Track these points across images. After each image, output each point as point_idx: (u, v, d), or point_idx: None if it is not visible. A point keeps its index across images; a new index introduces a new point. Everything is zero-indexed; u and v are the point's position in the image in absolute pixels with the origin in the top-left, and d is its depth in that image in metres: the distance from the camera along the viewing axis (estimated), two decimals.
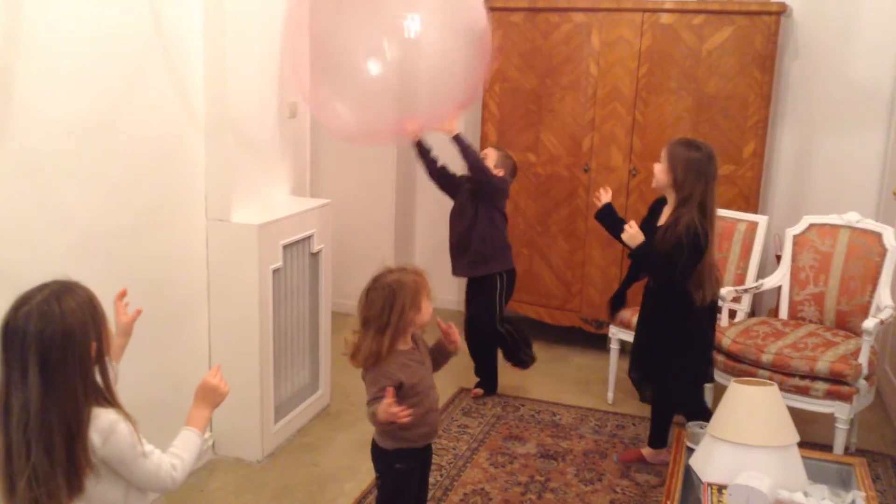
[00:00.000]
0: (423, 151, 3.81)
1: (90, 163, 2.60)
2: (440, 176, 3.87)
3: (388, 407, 2.22)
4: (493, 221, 3.82)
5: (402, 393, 2.32)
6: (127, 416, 1.72)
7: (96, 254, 2.65)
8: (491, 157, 3.82)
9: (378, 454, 2.48)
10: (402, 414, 2.23)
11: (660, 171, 3.09)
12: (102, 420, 1.68)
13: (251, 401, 3.29)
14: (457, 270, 3.98)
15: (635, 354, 3.36)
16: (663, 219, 3.14)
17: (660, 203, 3.26)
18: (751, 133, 4.19)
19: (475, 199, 3.79)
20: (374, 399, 2.30)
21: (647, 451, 3.44)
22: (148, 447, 1.75)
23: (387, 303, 2.32)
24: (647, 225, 3.23)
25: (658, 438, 3.41)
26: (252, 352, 3.25)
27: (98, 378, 1.71)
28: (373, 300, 2.34)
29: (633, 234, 3.10)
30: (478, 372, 4.11)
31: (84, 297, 1.69)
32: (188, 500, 3.06)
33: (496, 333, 3.93)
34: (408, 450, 2.43)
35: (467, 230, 3.82)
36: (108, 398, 1.72)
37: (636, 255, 3.15)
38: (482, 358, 4.07)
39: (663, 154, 3.08)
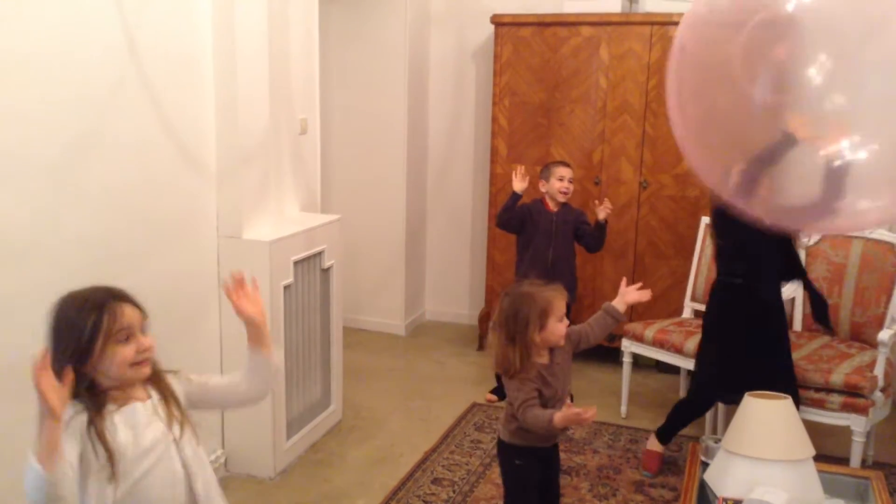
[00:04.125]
0: (515, 205, 3.95)
1: (102, 180, 2.62)
2: (514, 226, 4.02)
3: (568, 413, 2.28)
4: (576, 254, 4.04)
5: (540, 401, 2.40)
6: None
7: (108, 271, 2.65)
8: (573, 178, 3.97)
9: (501, 448, 2.56)
10: (586, 415, 2.27)
11: None
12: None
13: (263, 417, 3.29)
14: None
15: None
16: None
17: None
18: None
19: (569, 231, 3.96)
20: (526, 404, 2.36)
21: (660, 447, 3.46)
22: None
23: (510, 312, 2.38)
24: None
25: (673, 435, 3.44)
26: None
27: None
28: (502, 306, 2.42)
29: None
30: None
31: (91, 303, 1.73)
32: None
33: None
34: (528, 447, 2.49)
35: (564, 257, 3.98)
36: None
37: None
38: None
39: None
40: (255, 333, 1.99)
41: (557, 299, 2.40)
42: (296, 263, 3.37)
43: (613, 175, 4.46)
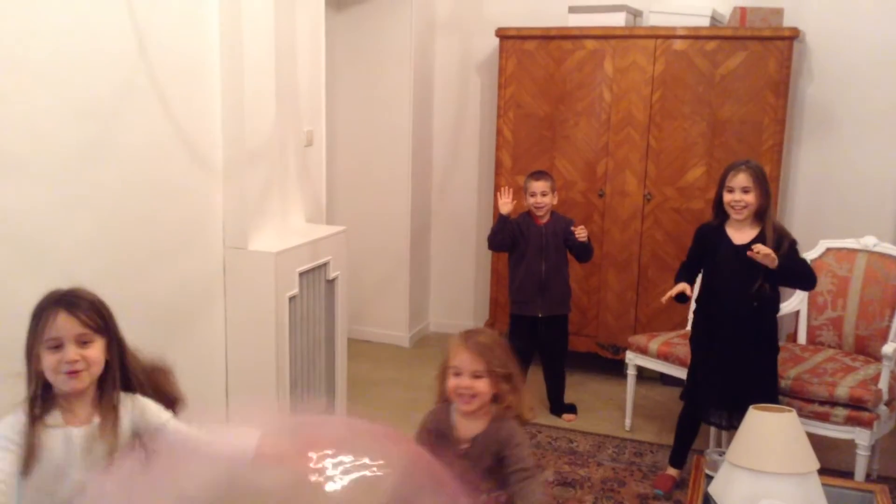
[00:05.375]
0: (504, 227, 3.97)
1: (110, 188, 2.64)
2: (506, 245, 4.05)
3: None
4: (568, 263, 4.08)
5: None
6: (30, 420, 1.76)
7: (116, 281, 2.67)
8: (549, 193, 3.97)
9: None
10: None
11: (751, 198, 3.08)
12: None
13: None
14: (539, 309, 4.08)
15: (720, 387, 3.20)
16: (744, 238, 3.12)
17: (712, 229, 3.22)
18: (766, 157, 4.18)
19: (559, 243, 3.99)
20: None
21: (675, 472, 3.44)
22: None
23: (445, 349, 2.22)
24: (700, 252, 3.28)
25: (681, 456, 3.44)
26: (269, 378, 3.26)
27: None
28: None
29: (770, 253, 3.00)
30: (554, 396, 4.23)
31: (38, 306, 1.82)
32: None
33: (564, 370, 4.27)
34: None
35: (557, 268, 4.02)
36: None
37: (783, 270, 3.04)
38: (557, 385, 4.22)
39: (749, 181, 3.07)
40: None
41: (460, 355, 2.13)
42: (301, 274, 3.38)
43: (618, 187, 4.47)
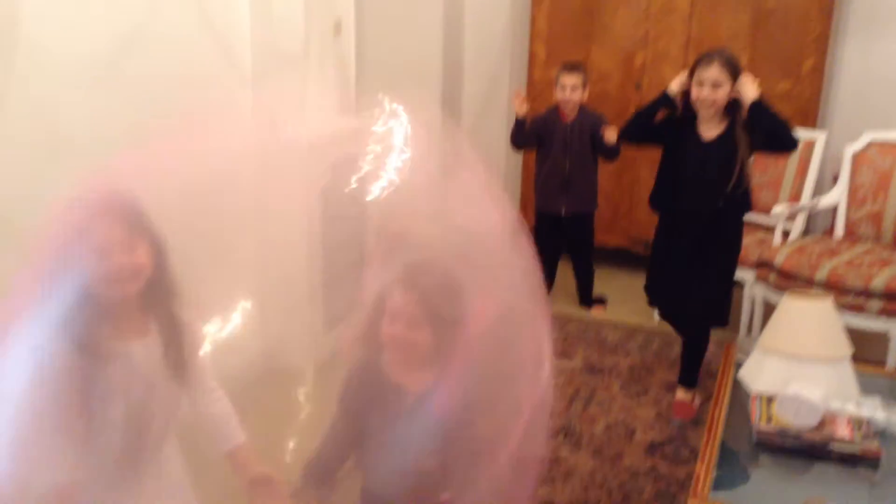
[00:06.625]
0: (523, 129, 3.92)
1: (136, 84, 2.61)
2: (531, 143, 4.01)
3: None
4: (596, 161, 3.98)
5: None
6: None
7: None
8: (579, 88, 3.84)
9: None
10: None
11: (721, 94, 2.81)
12: None
13: (300, 312, 3.34)
14: (563, 206, 4.02)
15: (673, 281, 3.12)
16: (712, 133, 2.90)
17: (686, 120, 2.98)
18: (811, 47, 4.03)
19: (585, 140, 3.90)
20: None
21: (687, 395, 3.21)
22: None
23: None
24: (662, 129, 3.09)
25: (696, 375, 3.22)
26: (300, 270, 3.28)
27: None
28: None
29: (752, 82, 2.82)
30: (583, 289, 4.26)
31: (83, 213, 1.64)
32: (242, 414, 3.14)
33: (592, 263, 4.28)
34: None
35: (581, 168, 3.94)
36: None
37: (758, 108, 2.79)
38: (586, 278, 4.25)
39: (722, 73, 2.79)
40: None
41: (395, 297, 1.70)
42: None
43: (655, 80, 4.34)
